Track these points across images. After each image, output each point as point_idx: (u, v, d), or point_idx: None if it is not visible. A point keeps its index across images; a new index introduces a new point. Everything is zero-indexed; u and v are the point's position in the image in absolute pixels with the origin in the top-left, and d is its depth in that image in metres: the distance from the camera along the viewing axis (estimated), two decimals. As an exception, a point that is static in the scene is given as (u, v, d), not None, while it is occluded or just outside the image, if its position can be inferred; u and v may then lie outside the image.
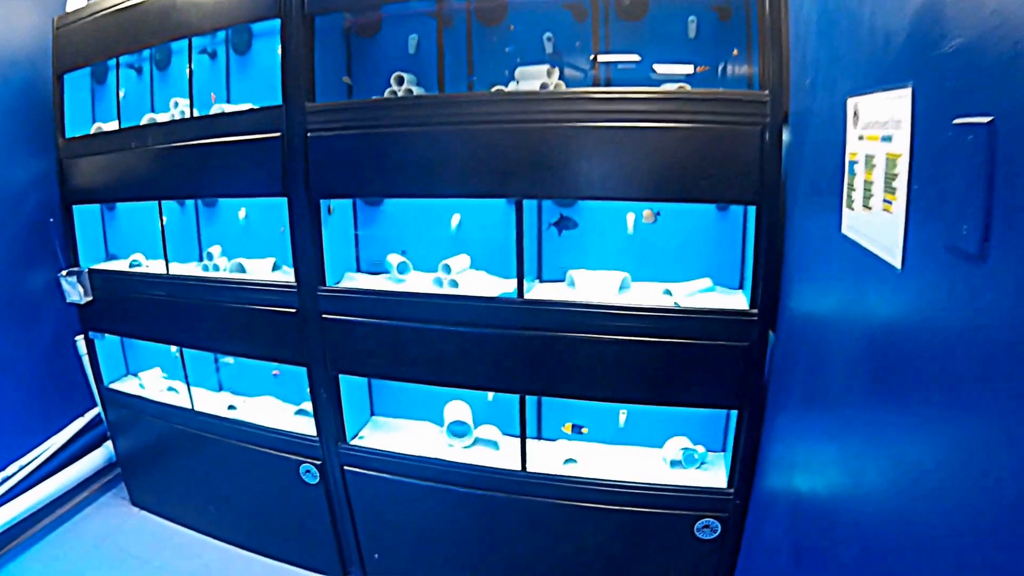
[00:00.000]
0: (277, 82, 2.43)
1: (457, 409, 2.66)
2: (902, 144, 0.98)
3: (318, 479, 2.72)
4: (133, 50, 2.87)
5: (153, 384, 3.17)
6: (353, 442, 2.70)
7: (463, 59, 2.63)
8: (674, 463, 2.53)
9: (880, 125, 1.08)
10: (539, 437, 2.75)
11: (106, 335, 3.23)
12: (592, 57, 2.50)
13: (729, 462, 2.39)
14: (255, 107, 2.55)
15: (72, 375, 3.38)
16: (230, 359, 3.07)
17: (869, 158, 1.13)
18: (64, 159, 3.08)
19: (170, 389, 3.12)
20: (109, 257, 3.32)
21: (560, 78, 2.43)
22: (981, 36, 0.77)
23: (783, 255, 2.06)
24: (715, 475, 2.48)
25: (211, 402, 3.01)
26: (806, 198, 1.70)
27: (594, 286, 2.41)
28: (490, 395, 2.68)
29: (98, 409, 3.40)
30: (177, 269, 2.95)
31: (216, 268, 2.86)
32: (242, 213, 2.92)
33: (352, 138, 2.36)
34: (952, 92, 0.84)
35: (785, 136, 1.98)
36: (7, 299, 3.21)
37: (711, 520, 2.40)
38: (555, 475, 2.46)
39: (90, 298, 3.13)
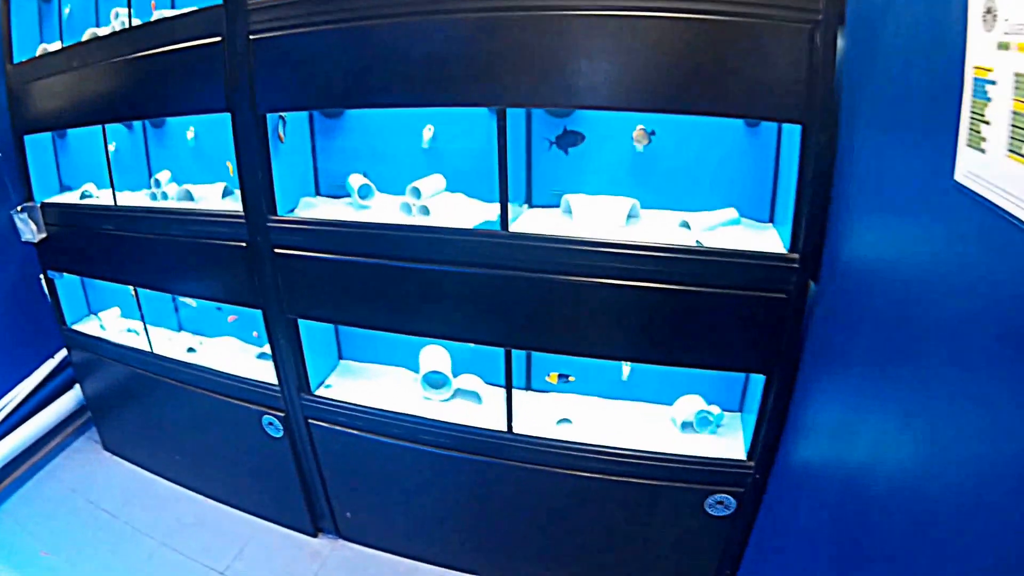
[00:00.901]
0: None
1: (434, 356, 2.24)
2: None
3: (282, 432, 2.37)
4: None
5: (112, 325, 2.84)
6: (318, 392, 2.32)
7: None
8: (685, 425, 2.09)
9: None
10: (528, 388, 2.33)
11: (64, 274, 2.86)
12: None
13: (751, 430, 1.95)
14: (197, 9, 2.03)
15: (40, 317, 3.04)
16: (193, 301, 2.68)
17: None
18: (13, 86, 2.64)
19: (129, 330, 2.77)
20: (63, 189, 2.91)
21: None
22: None
23: (833, 190, 1.57)
24: (731, 443, 2.05)
25: (170, 344, 2.66)
26: (880, 125, 1.32)
27: (596, 215, 1.92)
28: (472, 343, 2.24)
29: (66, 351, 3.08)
30: (126, 199, 2.53)
31: (164, 197, 2.42)
32: (190, 133, 2.46)
33: (302, 38, 1.86)
34: None
35: (840, 41, 1.48)
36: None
37: (725, 496, 1.99)
38: (546, 439, 2.05)
39: (44, 235, 2.75)
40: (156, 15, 2.28)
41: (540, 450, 2.06)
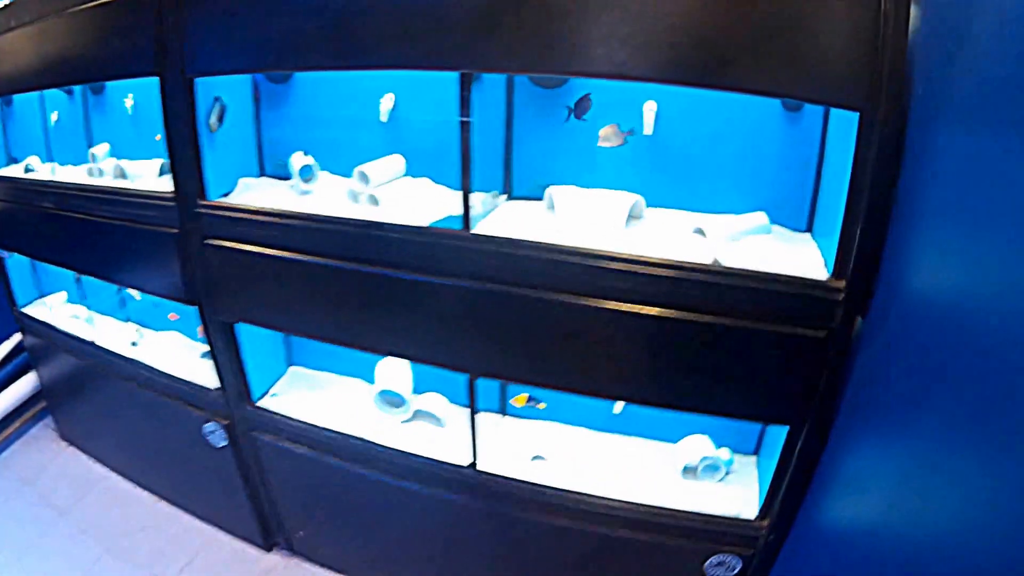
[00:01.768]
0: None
1: (392, 370, 1.87)
2: None
3: (226, 442, 2.02)
4: None
5: (59, 310, 2.50)
6: (263, 402, 1.97)
7: None
8: (687, 469, 1.69)
9: None
10: (502, 412, 1.93)
11: (13, 253, 2.53)
12: None
13: (768, 481, 1.54)
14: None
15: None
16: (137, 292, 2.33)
17: None
18: None
19: (75, 317, 2.44)
20: (11, 161, 2.57)
21: None
22: None
23: (896, 199, 1.16)
24: (742, 494, 1.65)
25: (116, 335, 2.32)
26: (974, 119, 0.96)
27: (587, 214, 1.48)
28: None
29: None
30: (67, 174, 2.19)
31: (101, 173, 2.05)
32: (128, 101, 2.07)
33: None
34: None
35: (914, 12, 1.07)
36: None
37: (729, 557, 1.59)
38: (516, 480, 1.67)
39: None
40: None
41: (508, 492, 1.69)
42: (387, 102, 1.64)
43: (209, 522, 2.41)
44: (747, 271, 1.28)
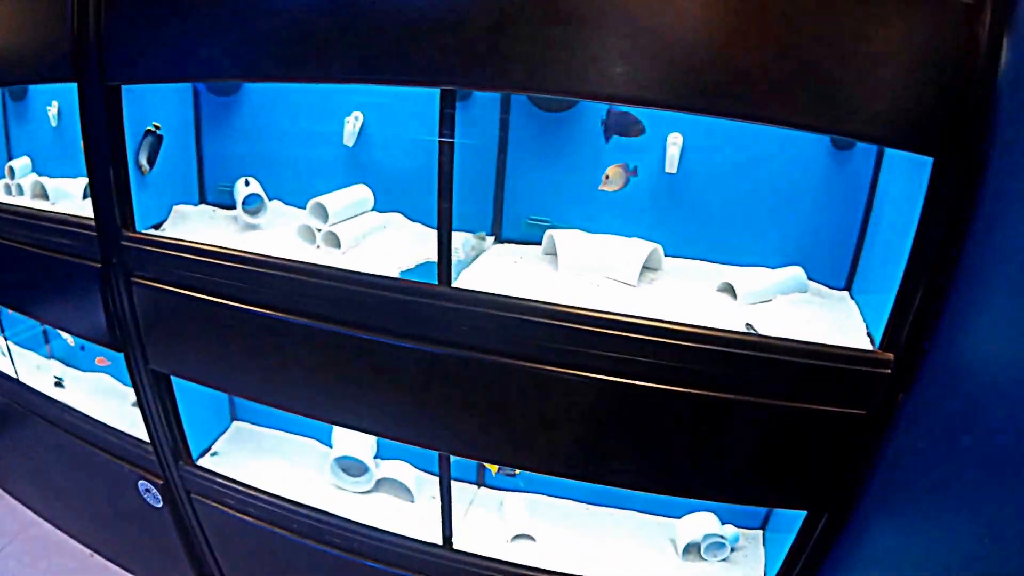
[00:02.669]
0: None
1: (351, 433, 1.56)
2: None
3: (161, 502, 1.70)
4: None
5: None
6: (203, 462, 1.66)
7: None
8: (689, 547, 1.44)
9: None
10: (479, 483, 1.66)
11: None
12: None
13: (778, 562, 1.31)
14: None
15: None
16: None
17: None
18: None
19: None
20: None
21: None
22: None
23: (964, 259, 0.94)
24: (748, 574, 1.40)
25: (38, 373, 1.97)
26: None
27: (595, 263, 1.22)
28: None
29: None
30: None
31: (20, 191, 1.71)
32: (53, 109, 1.72)
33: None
34: None
35: (1005, 45, 0.86)
36: None
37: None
38: (495, 561, 1.40)
39: None
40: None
41: (487, 575, 1.41)
42: (352, 122, 1.35)
43: (147, 580, 2.09)
44: (785, 341, 1.05)
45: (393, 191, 1.40)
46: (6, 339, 1.97)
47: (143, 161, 1.33)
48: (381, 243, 1.31)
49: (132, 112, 1.34)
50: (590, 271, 1.25)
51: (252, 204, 1.39)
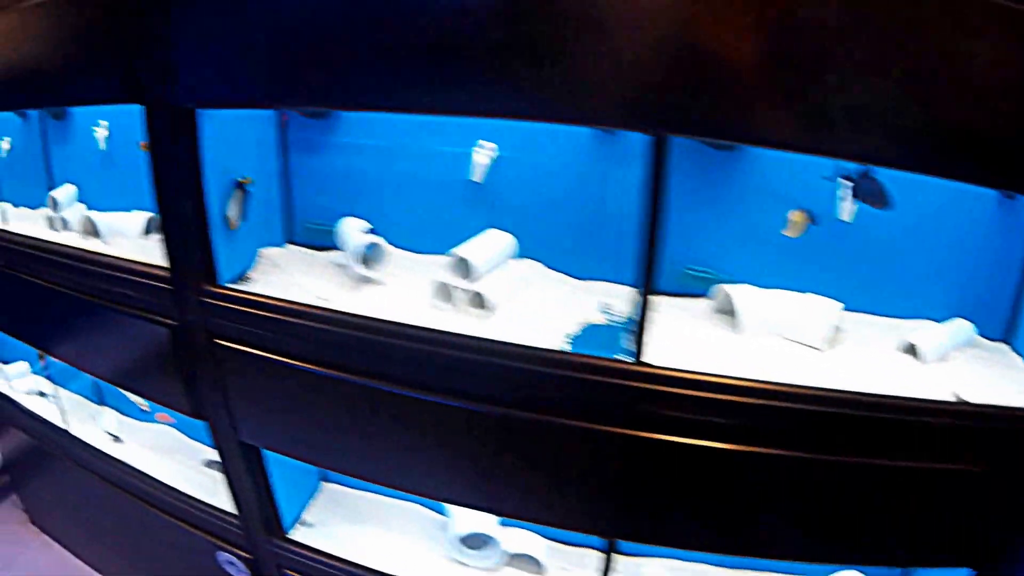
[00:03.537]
0: None
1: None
2: None
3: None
4: None
5: (20, 384, 1.89)
6: (296, 534, 1.43)
7: None
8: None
9: None
10: (609, 549, 1.43)
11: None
12: None
13: None
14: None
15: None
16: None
17: None
18: None
19: (41, 394, 1.84)
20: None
21: None
22: None
23: None
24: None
25: (89, 422, 1.74)
26: None
27: (779, 323, 0.99)
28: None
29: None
30: (19, 220, 1.57)
31: (65, 224, 1.45)
32: (101, 131, 1.45)
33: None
34: None
35: None
36: None
37: None
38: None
39: None
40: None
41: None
42: (482, 155, 1.09)
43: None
44: (994, 409, 0.90)
45: (526, 233, 1.15)
46: (52, 381, 1.72)
47: (233, 213, 1.08)
48: (526, 298, 1.07)
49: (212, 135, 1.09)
50: (773, 333, 1.02)
51: (370, 254, 1.12)
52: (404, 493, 1.55)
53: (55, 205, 1.50)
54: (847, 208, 1.05)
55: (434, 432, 1.06)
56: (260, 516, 1.40)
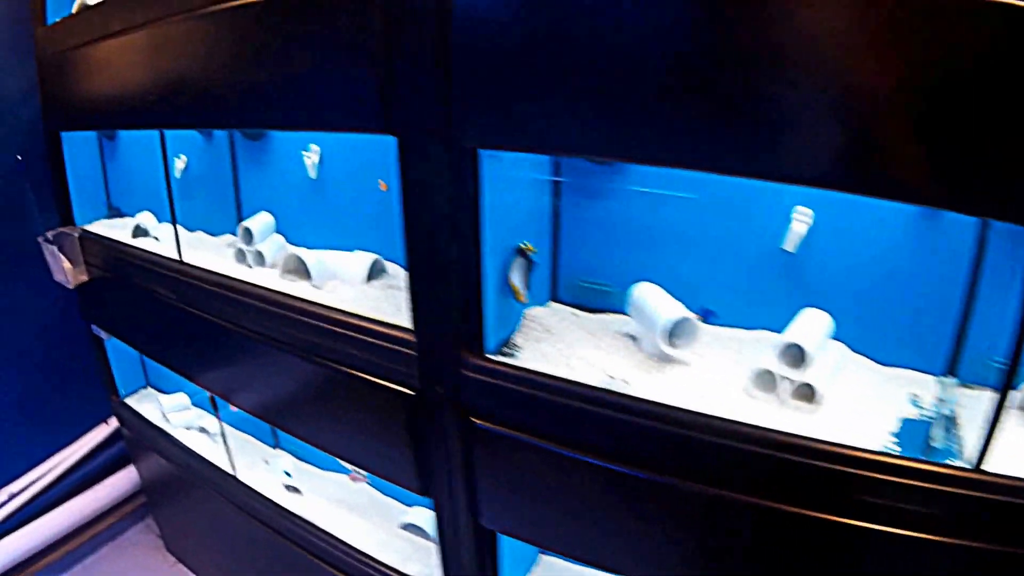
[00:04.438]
0: None
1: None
2: None
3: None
4: None
5: (178, 417, 1.79)
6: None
7: None
8: None
9: None
10: None
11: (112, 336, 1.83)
12: None
13: None
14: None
15: (91, 370, 2.02)
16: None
17: None
18: (45, 60, 1.62)
19: (201, 430, 1.73)
20: (112, 213, 1.86)
21: None
22: None
23: None
24: None
25: (260, 470, 1.61)
26: None
27: None
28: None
29: (119, 417, 2.09)
30: (199, 249, 1.45)
31: (259, 260, 1.32)
32: (312, 157, 1.31)
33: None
34: None
35: None
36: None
37: None
38: None
39: (84, 277, 1.72)
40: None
41: None
42: (801, 223, 0.88)
43: None
44: None
45: (836, 312, 0.94)
46: (220, 419, 1.61)
47: (517, 281, 0.92)
48: (841, 388, 0.86)
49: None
50: None
51: (679, 332, 0.94)
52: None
53: (248, 236, 1.36)
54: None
55: (739, 537, 0.86)
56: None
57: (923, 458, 0.75)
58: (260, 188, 1.47)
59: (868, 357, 0.98)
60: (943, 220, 0.88)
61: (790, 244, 0.93)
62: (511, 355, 1.02)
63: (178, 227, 1.45)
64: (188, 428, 1.75)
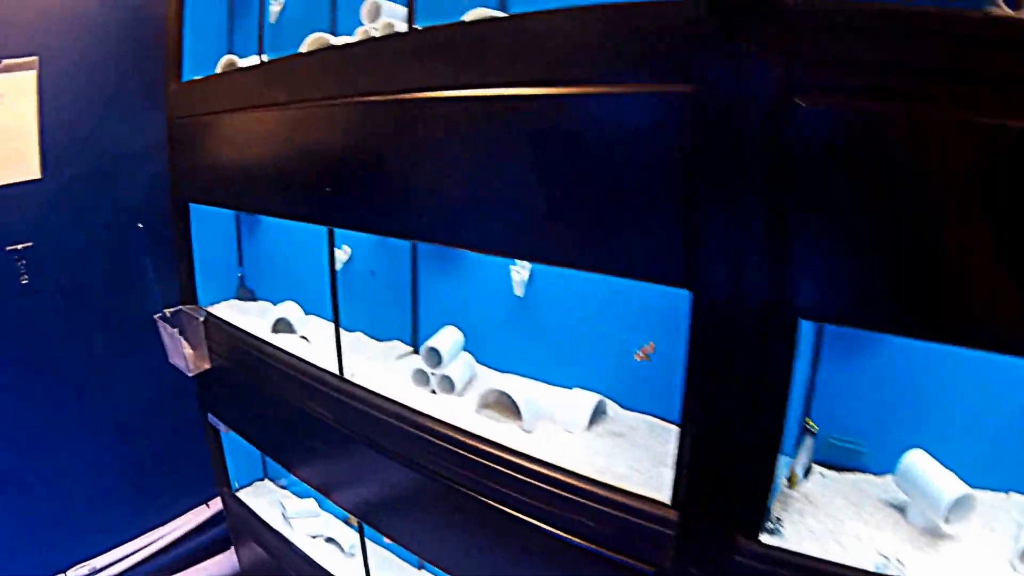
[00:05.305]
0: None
1: None
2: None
3: None
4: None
5: (303, 524, 1.64)
6: None
7: None
8: None
9: None
10: None
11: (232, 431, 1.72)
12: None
13: None
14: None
15: (196, 449, 1.91)
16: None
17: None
18: (176, 118, 1.52)
19: (329, 540, 1.59)
20: (245, 294, 1.76)
21: None
22: None
23: None
24: None
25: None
26: None
27: None
28: None
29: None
30: (360, 356, 1.34)
31: (447, 386, 1.22)
32: (523, 273, 1.23)
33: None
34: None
35: None
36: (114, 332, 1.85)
37: None
38: None
39: (206, 365, 1.61)
40: (472, 14, 1.07)
41: None
42: None
43: None
44: None
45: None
46: (363, 535, 1.46)
47: (799, 469, 0.83)
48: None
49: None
50: None
51: (955, 506, 0.84)
52: None
53: (434, 358, 1.22)
54: None
55: None
56: None
57: None
58: (445, 296, 1.34)
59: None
60: None
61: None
62: (776, 532, 0.91)
63: (340, 332, 1.30)
64: (314, 537, 1.60)
